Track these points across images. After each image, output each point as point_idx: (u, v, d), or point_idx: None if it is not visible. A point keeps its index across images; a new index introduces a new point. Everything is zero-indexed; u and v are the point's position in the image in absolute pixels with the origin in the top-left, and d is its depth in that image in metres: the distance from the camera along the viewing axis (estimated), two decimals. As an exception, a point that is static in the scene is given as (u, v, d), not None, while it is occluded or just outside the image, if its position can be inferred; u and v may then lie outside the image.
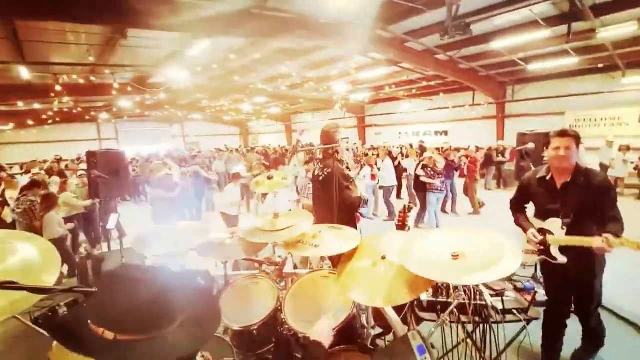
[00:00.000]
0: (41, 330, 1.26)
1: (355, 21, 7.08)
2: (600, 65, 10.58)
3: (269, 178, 2.95)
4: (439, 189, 6.81)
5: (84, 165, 9.46)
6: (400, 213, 2.60)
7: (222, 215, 5.89)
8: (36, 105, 14.37)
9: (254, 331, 1.93)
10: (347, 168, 3.07)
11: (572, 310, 2.56)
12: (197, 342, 0.89)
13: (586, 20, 6.93)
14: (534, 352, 2.55)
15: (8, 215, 5.49)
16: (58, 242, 4.52)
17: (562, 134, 2.29)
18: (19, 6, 5.14)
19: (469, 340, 2.11)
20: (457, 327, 2.11)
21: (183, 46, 8.77)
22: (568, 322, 2.54)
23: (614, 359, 2.72)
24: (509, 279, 2.58)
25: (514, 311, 2.24)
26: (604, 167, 9.17)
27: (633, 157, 9.30)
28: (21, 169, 12.58)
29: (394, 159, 9.17)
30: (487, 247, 1.52)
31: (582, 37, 8.02)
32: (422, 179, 6.82)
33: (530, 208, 2.64)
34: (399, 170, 8.96)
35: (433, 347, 2.04)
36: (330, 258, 2.50)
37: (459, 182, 8.68)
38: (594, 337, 2.55)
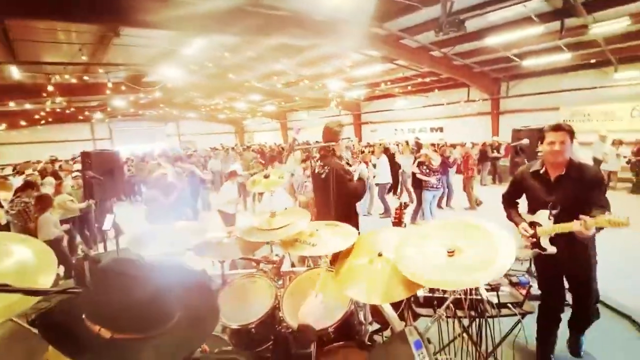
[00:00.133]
0: (37, 332, 1.25)
1: (350, 18, 7.05)
2: (593, 61, 10.68)
3: (266, 177, 2.95)
4: (435, 186, 6.83)
5: (78, 166, 9.37)
6: (396, 210, 2.61)
7: (219, 213, 5.88)
8: (28, 106, 14.17)
9: (252, 329, 1.94)
10: (347, 163, 3.08)
11: (567, 303, 2.59)
12: (196, 340, 0.86)
13: (579, 16, 6.99)
14: (528, 346, 2.58)
15: (2, 217, 5.42)
16: (54, 244, 4.48)
17: (557, 128, 2.29)
18: (18, 6, 5.08)
19: (465, 335, 2.14)
20: (454, 322, 2.14)
21: (177, 44, 8.71)
22: (562, 316, 2.57)
23: (608, 352, 2.76)
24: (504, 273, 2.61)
25: (509, 305, 2.27)
26: (597, 162, 9.27)
27: (626, 151, 9.41)
28: (14, 170, 12.43)
29: (391, 156, 9.16)
30: (480, 237, 1.50)
31: (575, 33, 8.09)
32: (418, 176, 6.84)
33: (522, 205, 2.65)
34: (395, 167, 8.97)
35: (430, 342, 2.06)
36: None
37: (456, 178, 8.73)
38: (583, 325, 2.57)
